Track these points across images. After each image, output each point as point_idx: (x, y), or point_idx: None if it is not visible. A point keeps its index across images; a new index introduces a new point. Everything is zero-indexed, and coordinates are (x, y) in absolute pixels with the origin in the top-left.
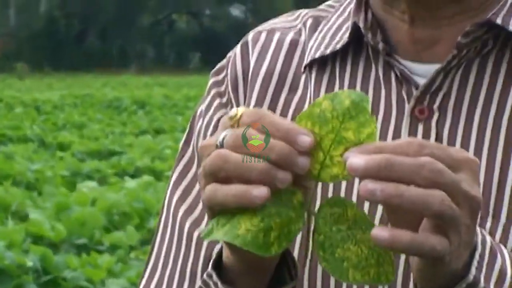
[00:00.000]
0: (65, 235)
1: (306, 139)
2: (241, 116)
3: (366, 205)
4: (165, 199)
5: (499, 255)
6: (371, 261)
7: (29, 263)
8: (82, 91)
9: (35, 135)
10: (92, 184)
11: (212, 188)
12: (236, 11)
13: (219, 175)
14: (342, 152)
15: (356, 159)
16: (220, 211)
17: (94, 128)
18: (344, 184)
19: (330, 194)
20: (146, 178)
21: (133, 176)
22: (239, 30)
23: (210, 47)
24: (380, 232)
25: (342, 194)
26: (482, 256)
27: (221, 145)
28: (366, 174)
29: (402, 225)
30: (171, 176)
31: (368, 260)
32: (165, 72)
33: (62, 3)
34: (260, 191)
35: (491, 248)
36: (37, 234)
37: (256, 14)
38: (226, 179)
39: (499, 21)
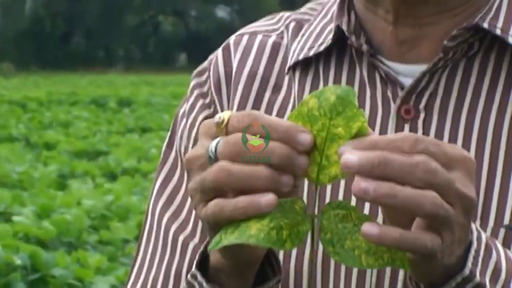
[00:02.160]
0: (53, 235)
1: (306, 137)
2: (228, 121)
3: (367, 206)
4: (149, 204)
5: (494, 251)
6: (382, 248)
7: (18, 261)
8: (68, 89)
9: (21, 134)
10: (81, 186)
11: (217, 204)
12: (221, 12)
13: (222, 189)
14: (336, 150)
15: (350, 155)
16: (225, 224)
17: (81, 127)
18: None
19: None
20: (132, 178)
21: (119, 177)
22: (225, 32)
23: (196, 49)
24: (370, 227)
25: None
26: (477, 252)
27: (214, 155)
28: (360, 171)
29: (398, 221)
30: (155, 181)
31: (379, 247)
32: (151, 72)
33: (47, 2)
34: (268, 199)
35: (486, 244)
36: (25, 233)
37: (242, 15)
38: (226, 191)
39: (485, 25)
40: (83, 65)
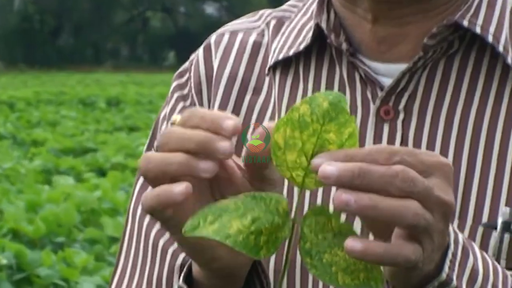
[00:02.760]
0: (41, 232)
1: (230, 123)
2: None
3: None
4: (129, 208)
5: (471, 254)
6: (359, 266)
7: (3, 261)
8: (57, 88)
9: (9, 132)
10: (67, 180)
11: (145, 194)
12: (210, 8)
13: (147, 178)
14: None
15: (329, 166)
16: (205, 206)
17: (68, 125)
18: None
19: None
20: (119, 175)
21: (106, 173)
22: (213, 28)
23: (185, 45)
24: (353, 243)
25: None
26: (454, 255)
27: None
28: (339, 182)
29: (377, 230)
30: (135, 184)
31: (357, 265)
32: (140, 70)
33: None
34: (180, 188)
35: (463, 247)
36: (13, 230)
37: (230, 11)
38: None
39: (465, 23)
40: (71, 63)
